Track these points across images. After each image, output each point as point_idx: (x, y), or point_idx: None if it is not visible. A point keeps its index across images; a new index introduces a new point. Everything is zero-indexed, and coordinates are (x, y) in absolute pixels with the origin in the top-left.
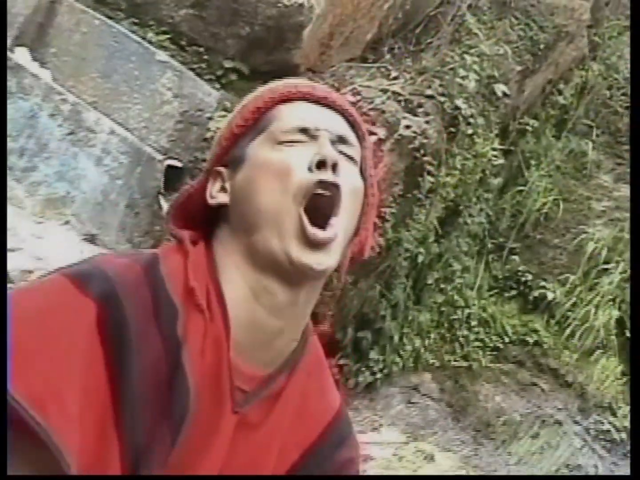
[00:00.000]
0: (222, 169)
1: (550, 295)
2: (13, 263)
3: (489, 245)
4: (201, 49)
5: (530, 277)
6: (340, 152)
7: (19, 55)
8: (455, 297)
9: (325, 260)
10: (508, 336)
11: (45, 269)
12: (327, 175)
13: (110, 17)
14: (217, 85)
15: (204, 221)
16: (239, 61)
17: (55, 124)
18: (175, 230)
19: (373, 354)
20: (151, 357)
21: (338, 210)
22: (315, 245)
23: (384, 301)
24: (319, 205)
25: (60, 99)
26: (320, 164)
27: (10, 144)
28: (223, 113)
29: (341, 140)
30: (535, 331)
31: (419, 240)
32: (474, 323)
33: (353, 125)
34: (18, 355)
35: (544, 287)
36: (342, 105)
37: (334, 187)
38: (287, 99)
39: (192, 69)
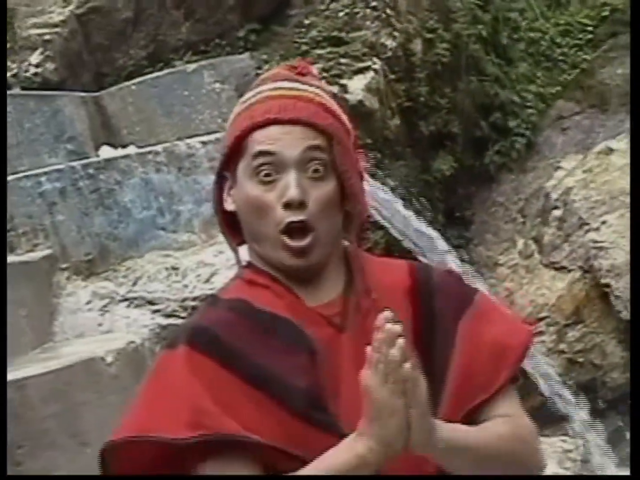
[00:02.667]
0: (227, 175)
1: None
2: None
3: None
4: None
5: None
6: (312, 160)
7: (105, 153)
8: None
9: (308, 261)
10: None
11: None
12: (294, 215)
13: None
14: None
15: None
16: None
17: (169, 176)
18: (231, 243)
19: None
20: (263, 351)
21: (310, 232)
22: (297, 252)
23: None
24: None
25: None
26: (287, 206)
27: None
28: None
29: (311, 150)
30: None
31: None
32: None
33: (322, 132)
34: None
35: None
36: (310, 119)
37: (302, 222)
38: (260, 125)
39: None
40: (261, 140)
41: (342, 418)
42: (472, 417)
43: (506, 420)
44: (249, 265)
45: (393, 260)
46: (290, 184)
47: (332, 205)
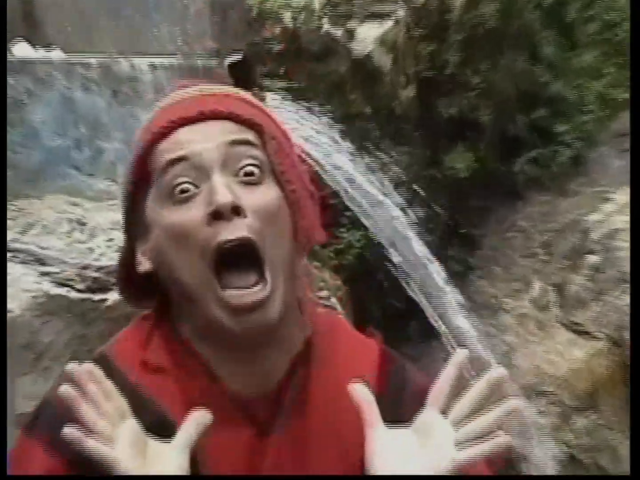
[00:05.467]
0: (136, 230)
1: None
2: None
3: None
4: None
5: None
6: (240, 159)
7: (20, 51)
8: None
9: (263, 318)
10: None
11: None
12: (228, 230)
13: None
14: None
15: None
16: None
17: (98, 99)
18: (133, 305)
19: None
20: None
21: (261, 260)
22: (241, 310)
23: None
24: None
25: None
26: (216, 216)
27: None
28: None
29: (236, 145)
30: None
31: None
32: None
33: (250, 125)
34: None
35: None
36: (229, 109)
37: (242, 239)
38: (162, 136)
39: None
40: (167, 148)
41: None
42: None
43: None
44: (159, 318)
45: (359, 339)
46: (215, 187)
47: (277, 217)
